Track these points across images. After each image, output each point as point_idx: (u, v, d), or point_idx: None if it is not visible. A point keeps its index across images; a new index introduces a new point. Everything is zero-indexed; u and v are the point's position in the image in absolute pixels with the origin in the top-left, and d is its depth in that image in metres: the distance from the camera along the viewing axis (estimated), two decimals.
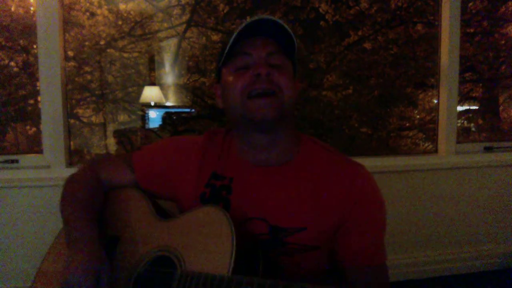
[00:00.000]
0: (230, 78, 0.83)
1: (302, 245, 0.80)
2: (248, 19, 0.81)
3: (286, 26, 0.81)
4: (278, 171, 0.85)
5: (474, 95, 2.43)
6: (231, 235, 0.71)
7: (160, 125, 2.05)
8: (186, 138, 1.01)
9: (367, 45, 2.13)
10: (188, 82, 2.03)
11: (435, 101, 2.20)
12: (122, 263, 0.82)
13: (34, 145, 1.87)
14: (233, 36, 0.80)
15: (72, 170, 0.98)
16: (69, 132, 1.81)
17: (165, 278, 0.77)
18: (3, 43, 1.83)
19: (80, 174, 0.95)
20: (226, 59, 0.85)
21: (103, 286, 0.73)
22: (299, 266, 0.81)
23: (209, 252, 0.72)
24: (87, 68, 1.89)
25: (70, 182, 0.92)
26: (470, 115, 2.44)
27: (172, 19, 1.95)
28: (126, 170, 0.95)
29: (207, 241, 0.74)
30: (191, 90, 2.03)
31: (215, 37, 1.99)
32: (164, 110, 2.04)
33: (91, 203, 0.87)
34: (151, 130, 2.04)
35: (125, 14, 1.90)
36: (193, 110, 2.05)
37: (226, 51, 0.83)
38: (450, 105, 2.10)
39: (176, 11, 1.95)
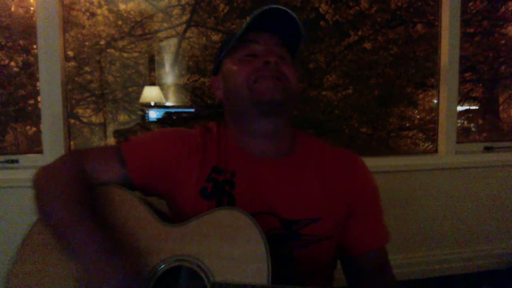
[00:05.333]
0: (235, 66, 0.83)
1: (318, 236, 0.79)
2: (259, 9, 0.80)
3: (297, 19, 0.83)
4: (281, 163, 0.84)
5: (474, 95, 2.43)
6: (262, 240, 0.66)
7: (160, 125, 2.05)
8: (183, 129, 0.90)
9: (367, 45, 2.13)
10: (188, 82, 2.03)
11: (435, 101, 2.20)
12: None
13: (34, 145, 1.86)
14: (247, 22, 0.80)
15: None
16: (69, 132, 1.81)
17: None
18: (3, 43, 1.83)
19: (61, 166, 0.80)
20: (229, 50, 0.85)
21: None
22: (314, 257, 0.80)
23: (240, 260, 0.66)
24: (87, 68, 1.89)
25: (48, 176, 0.77)
26: (470, 115, 2.44)
27: (172, 19, 1.95)
28: (116, 163, 0.82)
29: (234, 247, 0.67)
30: (191, 90, 2.03)
31: (215, 37, 1.99)
32: (164, 110, 2.04)
33: (87, 200, 0.74)
34: (151, 130, 2.04)
35: (125, 14, 1.90)
36: (197, 109, 2.05)
37: (235, 39, 0.82)
38: (450, 105, 2.10)
39: (176, 11, 1.94)
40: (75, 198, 0.73)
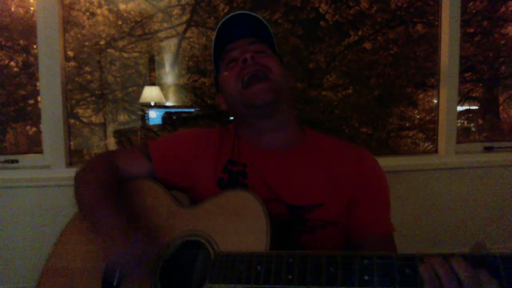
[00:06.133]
0: (223, 77, 0.91)
1: (322, 221, 0.84)
2: (220, 22, 0.90)
3: (255, 15, 0.90)
4: (287, 154, 0.90)
5: (474, 95, 2.43)
6: (263, 214, 0.71)
7: (160, 125, 2.05)
8: (202, 128, 1.03)
9: (367, 45, 2.13)
10: (188, 82, 2.03)
11: (435, 101, 2.20)
12: None
13: (34, 145, 1.87)
14: (215, 35, 0.90)
15: (72, 170, 0.98)
16: (69, 132, 1.81)
17: (198, 260, 0.78)
18: (3, 43, 1.83)
19: (96, 161, 0.94)
20: (217, 67, 0.95)
21: (146, 263, 0.73)
22: (320, 242, 0.84)
23: (243, 233, 0.72)
24: (87, 68, 1.89)
25: (85, 170, 0.91)
26: (470, 115, 2.44)
27: (172, 19, 1.95)
28: (143, 159, 0.94)
29: (238, 222, 0.73)
30: (191, 90, 2.03)
31: None
32: (164, 110, 2.04)
33: (114, 187, 0.86)
34: (151, 130, 2.04)
35: (125, 14, 1.90)
36: (197, 109, 2.05)
37: (213, 55, 0.93)
38: (450, 105, 2.10)
39: (176, 11, 1.95)
40: (101, 186, 0.84)
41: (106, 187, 0.84)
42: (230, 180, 0.88)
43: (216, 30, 0.90)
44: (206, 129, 1.02)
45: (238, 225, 0.73)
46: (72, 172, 0.97)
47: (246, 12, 0.90)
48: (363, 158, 0.91)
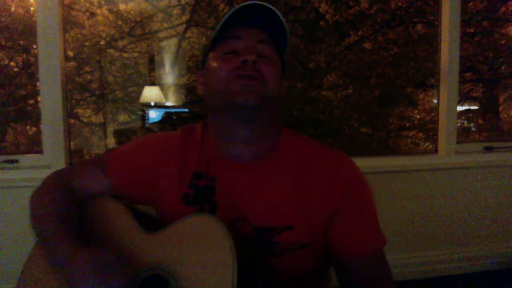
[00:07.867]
0: (216, 63, 0.79)
1: (291, 244, 0.77)
2: (238, 5, 0.75)
3: (279, 14, 0.77)
4: (257, 168, 0.80)
5: (474, 95, 2.43)
6: (229, 246, 0.66)
7: (160, 125, 2.05)
8: (163, 135, 0.94)
9: (367, 45, 2.13)
10: (188, 82, 2.03)
11: (435, 101, 2.20)
12: None
13: (34, 145, 1.86)
14: (224, 18, 0.76)
15: None
16: (69, 132, 1.81)
17: None
18: (3, 43, 1.83)
19: (48, 185, 0.85)
20: (214, 44, 0.81)
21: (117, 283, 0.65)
22: (290, 266, 0.78)
23: (208, 265, 0.67)
24: (87, 68, 1.89)
25: (37, 197, 0.82)
26: (470, 115, 2.44)
27: (172, 19, 1.95)
28: (99, 175, 0.85)
29: (203, 254, 0.68)
30: (191, 90, 2.03)
31: None
32: (164, 110, 2.04)
33: (68, 214, 0.77)
34: (151, 130, 2.04)
35: (125, 14, 1.90)
36: (197, 110, 2.05)
37: (215, 33, 0.79)
38: (450, 105, 2.10)
39: (176, 11, 1.95)
40: (55, 214, 0.76)
41: (59, 215, 0.76)
42: (196, 195, 0.80)
43: (234, 9, 0.76)
44: (167, 134, 0.92)
45: (202, 256, 0.68)
46: None
47: (270, 6, 0.76)
48: (340, 165, 0.81)
